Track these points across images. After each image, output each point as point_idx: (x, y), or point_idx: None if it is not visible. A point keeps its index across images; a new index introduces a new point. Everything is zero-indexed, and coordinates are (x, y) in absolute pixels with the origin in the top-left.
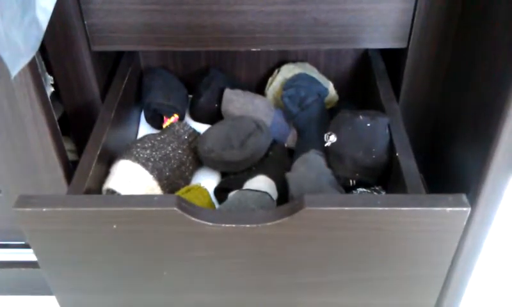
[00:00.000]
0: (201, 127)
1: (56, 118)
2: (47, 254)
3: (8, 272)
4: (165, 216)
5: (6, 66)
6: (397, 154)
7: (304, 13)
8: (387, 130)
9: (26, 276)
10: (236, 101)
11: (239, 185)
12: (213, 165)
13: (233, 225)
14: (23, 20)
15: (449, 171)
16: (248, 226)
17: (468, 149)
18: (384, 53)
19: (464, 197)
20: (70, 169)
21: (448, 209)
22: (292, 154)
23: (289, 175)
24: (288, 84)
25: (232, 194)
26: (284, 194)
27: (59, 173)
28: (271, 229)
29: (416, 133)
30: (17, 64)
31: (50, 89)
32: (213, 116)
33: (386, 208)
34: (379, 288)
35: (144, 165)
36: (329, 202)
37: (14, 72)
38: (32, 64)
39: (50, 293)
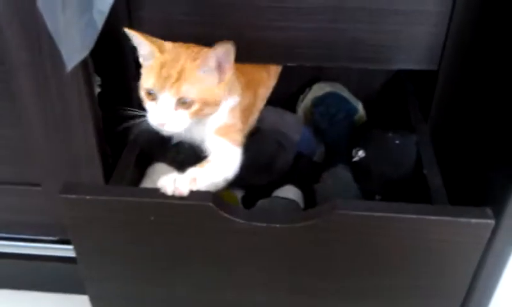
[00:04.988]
0: None
1: None
2: (85, 242)
3: (43, 266)
4: (200, 211)
5: (63, 59)
6: (424, 171)
7: (345, 31)
8: (415, 149)
9: (62, 272)
10: (267, 117)
11: (268, 194)
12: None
13: (264, 224)
14: (81, 19)
15: (475, 190)
16: (278, 226)
17: (494, 168)
18: (411, 74)
19: (488, 210)
20: (109, 168)
21: (473, 220)
22: (319, 169)
23: (317, 187)
24: (318, 102)
25: (260, 201)
26: (310, 206)
27: (99, 171)
28: (301, 230)
29: (443, 153)
30: (73, 59)
31: (97, 90)
32: None
33: (414, 216)
34: (402, 296)
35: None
36: (360, 207)
37: (70, 66)
38: (84, 63)
39: (82, 292)
